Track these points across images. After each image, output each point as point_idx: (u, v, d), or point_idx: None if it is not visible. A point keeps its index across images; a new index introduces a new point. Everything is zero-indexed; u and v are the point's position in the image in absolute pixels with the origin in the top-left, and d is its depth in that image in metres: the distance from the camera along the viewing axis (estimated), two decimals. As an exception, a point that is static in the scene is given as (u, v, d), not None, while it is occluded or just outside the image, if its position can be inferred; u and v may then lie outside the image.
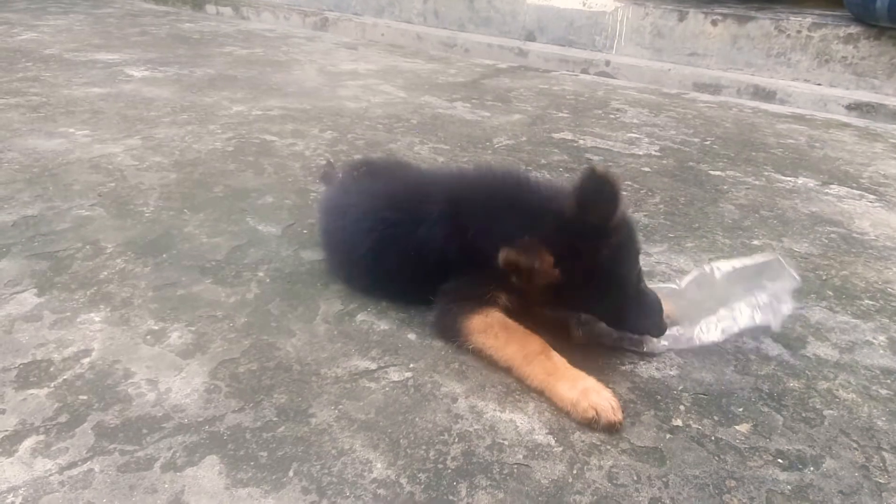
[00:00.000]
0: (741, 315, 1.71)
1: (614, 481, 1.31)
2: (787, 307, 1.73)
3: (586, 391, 1.45)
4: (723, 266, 1.80)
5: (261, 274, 2.02)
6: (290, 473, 1.29)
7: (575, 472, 1.32)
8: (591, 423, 1.42)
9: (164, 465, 1.29)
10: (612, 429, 1.41)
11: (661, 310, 1.64)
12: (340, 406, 1.48)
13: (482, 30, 6.24)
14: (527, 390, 1.55)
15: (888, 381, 1.65)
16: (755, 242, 2.40)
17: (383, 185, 2.01)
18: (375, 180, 2.08)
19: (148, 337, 1.69)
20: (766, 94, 4.69)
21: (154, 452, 1.33)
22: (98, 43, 5.53)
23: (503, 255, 1.51)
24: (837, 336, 1.84)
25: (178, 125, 3.43)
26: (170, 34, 6.16)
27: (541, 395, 1.52)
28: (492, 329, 1.61)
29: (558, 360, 1.53)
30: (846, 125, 4.15)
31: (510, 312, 1.67)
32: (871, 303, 2.02)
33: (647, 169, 3.14)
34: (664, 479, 1.31)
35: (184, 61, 5.00)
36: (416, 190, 1.89)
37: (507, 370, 1.58)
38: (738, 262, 1.82)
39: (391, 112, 3.92)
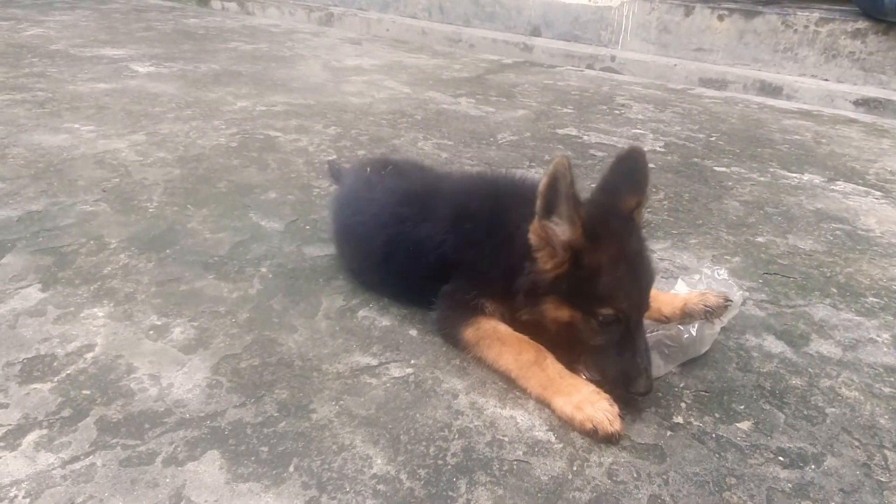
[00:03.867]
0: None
1: (614, 478, 1.30)
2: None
3: (581, 404, 1.42)
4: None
5: (263, 269, 2.03)
6: (291, 468, 1.29)
7: (575, 468, 1.32)
8: (589, 435, 1.40)
9: (166, 460, 1.30)
10: (610, 440, 1.39)
11: (648, 366, 1.45)
12: (341, 402, 1.48)
13: (487, 25, 6.22)
14: (527, 387, 1.55)
15: (892, 379, 1.64)
16: (759, 239, 2.39)
17: (397, 184, 1.99)
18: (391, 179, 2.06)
19: (151, 332, 1.70)
20: (773, 90, 4.66)
21: (156, 447, 1.33)
22: (104, 38, 5.55)
23: (534, 226, 1.47)
24: (841, 334, 1.83)
25: (183, 121, 3.44)
26: (175, 29, 6.18)
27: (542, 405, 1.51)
28: (484, 341, 1.60)
29: (553, 369, 1.50)
30: (853, 121, 4.12)
31: (502, 317, 1.66)
32: (875, 300, 2.00)
33: (651, 165, 3.10)
34: (664, 477, 1.31)
35: (189, 57, 5.01)
36: (422, 189, 1.89)
37: (508, 380, 1.57)
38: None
39: (395, 108, 3.92)
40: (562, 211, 1.42)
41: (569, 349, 1.55)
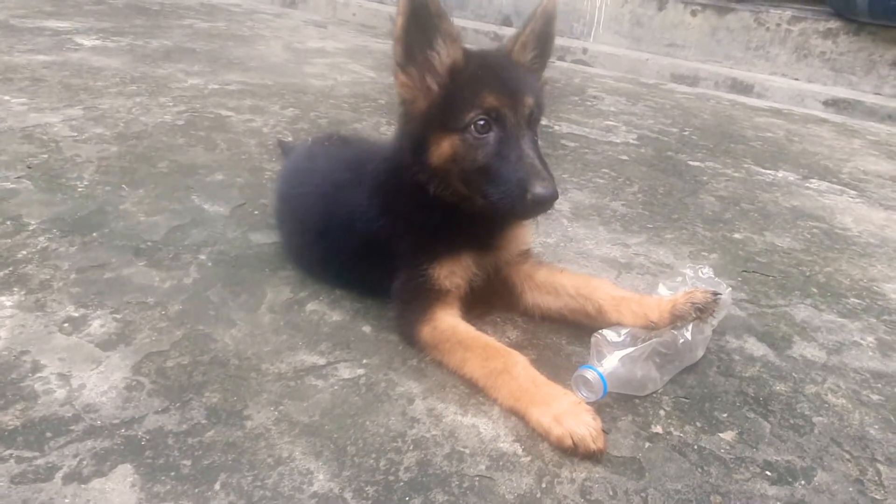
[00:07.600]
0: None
1: (588, 496, 1.16)
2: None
3: (561, 416, 1.26)
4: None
5: (202, 257, 1.82)
6: (217, 486, 1.11)
7: (544, 485, 1.17)
8: (568, 452, 1.24)
9: (67, 476, 1.10)
10: (592, 458, 1.24)
11: (546, 170, 1.39)
12: (281, 407, 1.30)
13: (457, 14, 6.05)
14: (492, 391, 1.39)
15: (879, 385, 1.54)
16: (736, 236, 2.28)
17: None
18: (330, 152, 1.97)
19: (65, 325, 1.49)
20: (744, 88, 4.61)
21: (57, 460, 1.13)
22: (49, 10, 5.19)
23: (401, 79, 1.50)
24: (824, 336, 1.72)
25: (126, 96, 3.18)
26: (128, 4, 5.84)
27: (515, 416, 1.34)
28: (444, 345, 1.45)
29: (525, 376, 1.34)
30: (824, 121, 4.08)
31: (461, 296, 1.54)
32: (857, 301, 1.91)
33: (624, 157, 3.01)
34: (643, 494, 1.17)
35: (139, 32, 4.71)
36: (364, 154, 1.82)
37: (473, 386, 1.41)
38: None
39: (358, 91, 3.72)
40: (444, 30, 1.43)
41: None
